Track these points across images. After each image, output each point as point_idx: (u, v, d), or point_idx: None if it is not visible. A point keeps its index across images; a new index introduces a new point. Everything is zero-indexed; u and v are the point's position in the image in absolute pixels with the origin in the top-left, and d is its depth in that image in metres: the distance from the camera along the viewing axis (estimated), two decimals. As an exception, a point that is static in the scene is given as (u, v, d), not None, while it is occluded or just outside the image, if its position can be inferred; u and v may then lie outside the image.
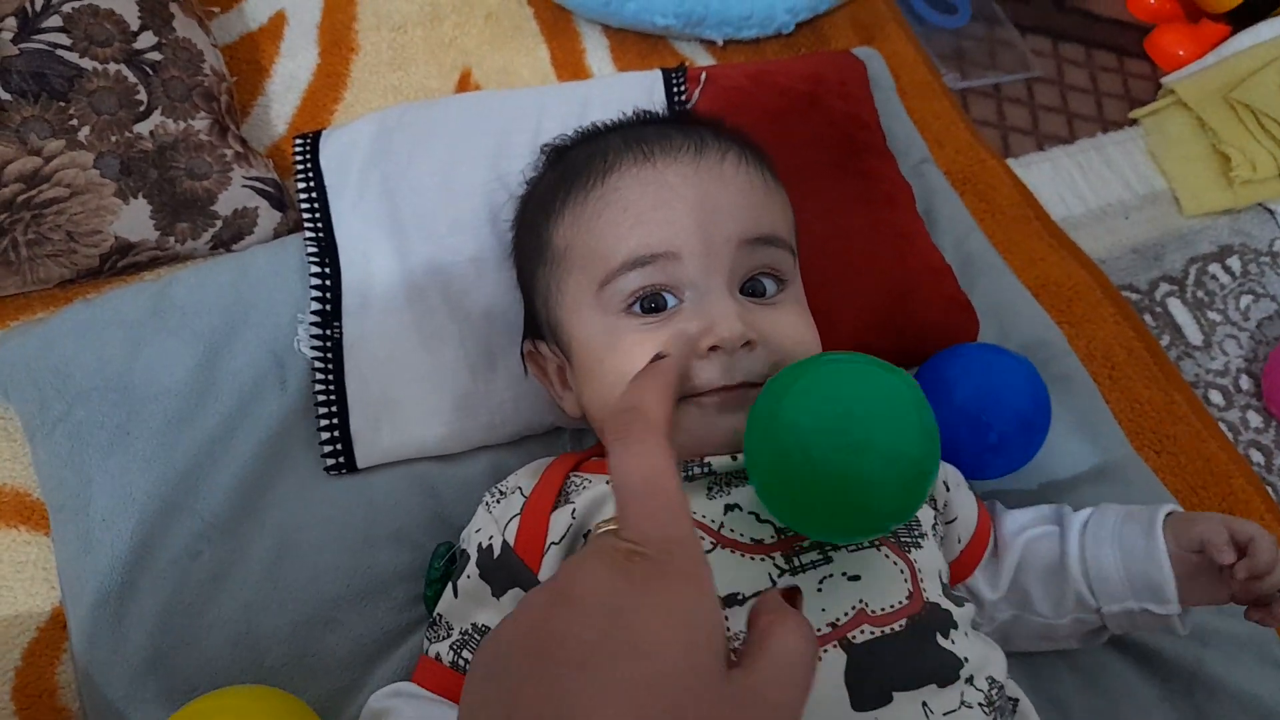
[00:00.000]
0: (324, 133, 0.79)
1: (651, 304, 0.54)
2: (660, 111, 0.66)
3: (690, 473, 0.52)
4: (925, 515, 0.56)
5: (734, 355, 0.52)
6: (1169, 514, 0.59)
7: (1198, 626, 0.68)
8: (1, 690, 0.62)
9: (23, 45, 0.68)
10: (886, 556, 0.51)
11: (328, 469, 0.67)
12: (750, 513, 0.52)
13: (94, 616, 0.61)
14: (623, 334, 0.54)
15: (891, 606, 0.50)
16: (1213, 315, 0.94)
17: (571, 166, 0.59)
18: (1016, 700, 0.56)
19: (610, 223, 0.55)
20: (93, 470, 0.65)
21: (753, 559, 0.50)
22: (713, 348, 0.51)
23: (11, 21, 0.68)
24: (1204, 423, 0.85)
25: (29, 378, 0.67)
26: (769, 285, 0.56)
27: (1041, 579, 0.61)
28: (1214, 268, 0.97)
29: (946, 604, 0.52)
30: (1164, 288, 0.95)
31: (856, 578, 0.50)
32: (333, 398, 0.68)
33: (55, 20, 0.69)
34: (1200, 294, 0.95)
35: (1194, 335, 0.93)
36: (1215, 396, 0.90)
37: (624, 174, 0.56)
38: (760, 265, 0.56)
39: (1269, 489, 0.86)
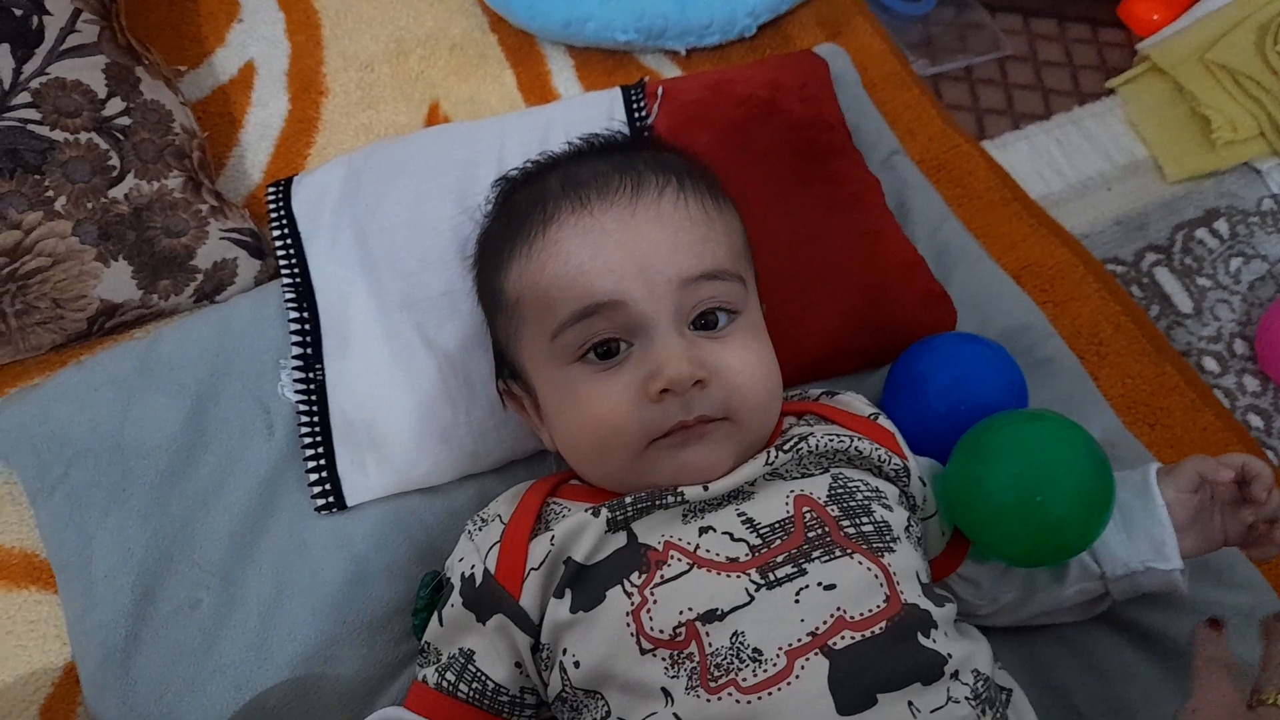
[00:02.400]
0: (295, 179, 0.81)
1: (604, 349, 0.55)
2: (611, 132, 0.66)
3: (665, 501, 0.53)
4: (898, 519, 0.56)
5: (686, 395, 0.53)
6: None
7: (1196, 602, 0.67)
8: (21, 748, 0.65)
9: (-5, 124, 0.71)
10: (860, 563, 0.52)
11: (318, 509, 0.68)
12: (724, 533, 0.53)
13: (102, 670, 0.63)
14: (578, 383, 0.56)
15: (869, 611, 0.50)
16: (1202, 281, 0.93)
17: (515, 215, 0.60)
18: (1009, 691, 0.56)
19: (554, 275, 0.56)
20: (92, 529, 0.67)
21: (729, 576, 0.51)
22: (664, 390, 0.53)
23: (-18, 102, 0.71)
24: (1198, 391, 0.84)
25: (27, 443, 0.70)
26: (720, 317, 0.57)
27: None
28: (1201, 233, 0.96)
29: (926, 604, 0.52)
30: (1150, 257, 0.94)
31: (832, 586, 0.51)
32: (319, 439, 0.70)
33: (24, 97, 0.71)
34: (1188, 260, 0.94)
35: (1184, 303, 0.92)
36: (1210, 364, 0.89)
37: (563, 224, 0.56)
38: (706, 300, 0.56)
39: (1269, 453, 0.85)
